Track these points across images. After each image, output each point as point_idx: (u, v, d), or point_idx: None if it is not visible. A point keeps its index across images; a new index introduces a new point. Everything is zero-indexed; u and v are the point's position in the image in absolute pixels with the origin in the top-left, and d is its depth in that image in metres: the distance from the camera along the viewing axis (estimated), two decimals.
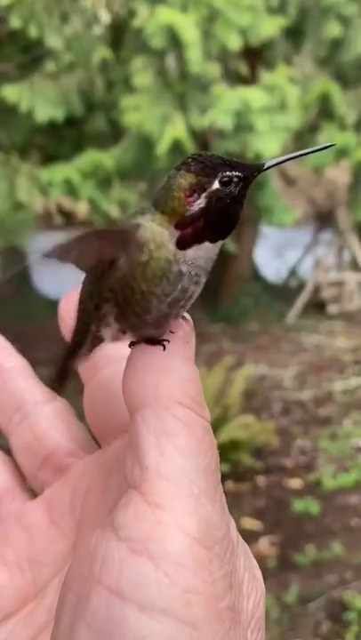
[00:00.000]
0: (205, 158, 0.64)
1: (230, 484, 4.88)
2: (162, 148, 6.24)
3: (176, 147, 6.23)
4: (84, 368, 0.78)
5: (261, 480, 5.04)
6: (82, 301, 0.68)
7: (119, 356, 0.72)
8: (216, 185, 0.63)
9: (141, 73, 6.58)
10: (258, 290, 9.61)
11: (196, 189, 0.63)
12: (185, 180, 0.63)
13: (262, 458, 5.30)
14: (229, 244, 8.29)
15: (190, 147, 6.29)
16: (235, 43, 6.52)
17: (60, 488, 0.78)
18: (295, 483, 5.01)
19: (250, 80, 7.21)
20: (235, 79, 7.18)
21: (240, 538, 0.64)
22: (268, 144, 6.50)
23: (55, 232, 10.64)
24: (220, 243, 0.65)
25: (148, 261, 0.63)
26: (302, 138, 7.83)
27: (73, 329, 0.70)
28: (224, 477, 4.01)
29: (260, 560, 4.05)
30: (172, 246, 0.63)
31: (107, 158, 6.80)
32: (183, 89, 6.59)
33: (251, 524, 4.45)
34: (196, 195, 0.63)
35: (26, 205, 6.75)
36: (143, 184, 7.81)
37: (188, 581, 0.55)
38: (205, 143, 7.05)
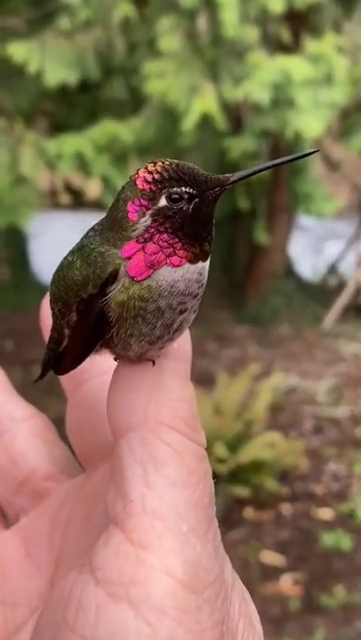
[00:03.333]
0: (158, 169, 0.64)
1: (250, 512, 4.88)
2: (188, 122, 6.23)
3: (205, 121, 6.22)
4: (66, 378, 0.78)
5: (287, 508, 5.04)
6: (53, 312, 0.69)
7: (106, 365, 0.72)
8: (163, 202, 0.63)
9: (168, 35, 6.56)
10: (291, 288, 9.56)
11: (140, 206, 0.63)
12: (131, 193, 0.64)
13: (288, 483, 5.29)
14: (261, 233, 8.29)
15: (221, 122, 6.28)
16: (277, 4, 6.49)
17: (37, 517, 0.78)
18: (325, 513, 5.00)
19: (292, 48, 7.18)
20: (275, 46, 7.14)
21: (238, 580, 0.65)
22: (309, 122, 6.48)
23: (61, 212, 10.66)
24: (200, 264, 0.64)
25: (119, 302, 0.63)
26: (349, 116, 7.80)
27: (50, 333, 0.71)
28: (244, 503, 4.03)
29: (282, 600, 4.08)
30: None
31: (124, 130, 6.79)
32: (215, 55, 6.58)
33: (272, 558, 4.45)
34: (140, 211, 0.63)
35: (29, 180, 6.75)
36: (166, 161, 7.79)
37: (172, 631, 0.56)
38: (238, 119, 7.04)
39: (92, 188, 9.06)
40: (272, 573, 4.29)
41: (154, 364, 0.66)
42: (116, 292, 0.62)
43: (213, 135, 6.74)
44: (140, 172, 0.64)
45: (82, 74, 6.99)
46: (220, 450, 4.69)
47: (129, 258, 0.62)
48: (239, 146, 6.78)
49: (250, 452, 4.91)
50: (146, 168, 0.64)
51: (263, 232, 8.38)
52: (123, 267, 0.62)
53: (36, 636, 0.62)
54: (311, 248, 10.75)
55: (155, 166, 0.64)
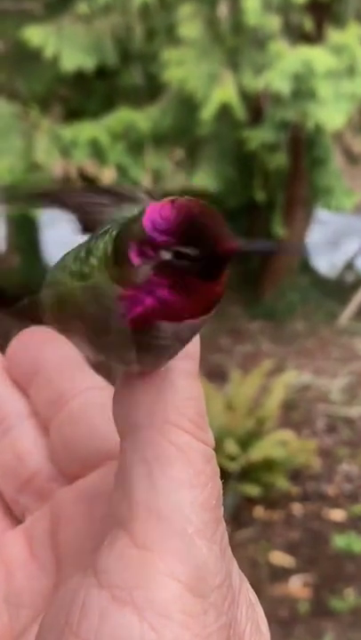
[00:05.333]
0: (173, 216, 0.58)
1: (260, 511, 4.87)
2: (207, 111, 6.21)
3: (224, 111, 6.20)
4: (45, 404, 0.76)
5: (297, 508, 5.02)
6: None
7: (88, 385, 0.72)
8: (167, 256, 0.58)
9: (188, 22, 6.54)
10: (307, 284, 9.53)
11: (143, 252, 0.58)
12: (138, 231, 0.59)
13: (300, 482, 5.28)
14: (278, 226, 8.27)
15: (240, 112, 6.26)
16: None
17: (40, 517, 0.77)
18: (337, 514, 4.99)
19: (315, 38, 7.14)
20: (297, 36, 7.12)
21: (245, 583, 0.63)
22: (331, 114, 6.44)
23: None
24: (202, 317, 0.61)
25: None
26: None
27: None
28: (254, 502, 4.01)
29: (290, 603, 4.08)
30: None
31: (141, 118, 6.78)
32: (236, 44, 6.55)
33: (281, 559, 4.45)
34: (143, 257, 0.58)
35: (43, 167, 6.76)
36: (181, 152, 7.79)
37: (178, 636, 0.54)
38: (258, 109, 7.01)
39: (107, 176, 9.06)
40: (281, 574, 4.28)
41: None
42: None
43: (232, 125, 6.70)
44: (152, 212, 0.58)
45: (99, 60, 6.99)
46: (231, 447, 4.68)
47: (126, 304, 0.59)
48: (258, 137, 6.75)
49: (261, 450, 4.90)
50: (161, 209, 0.58)
51: (280, 225, 8.35)
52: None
53: (39, 639, 0.61)
54: (328, 243, 10.73)
55: (171, 209, 0.58)
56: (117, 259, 0.60)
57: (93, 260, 0.62)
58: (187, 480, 0.59)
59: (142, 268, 0.59)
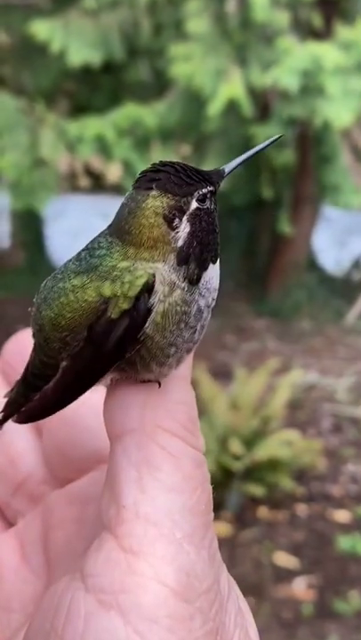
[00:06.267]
0: (174, 173, 0.64)
1: (265, 512, 4.86)
2: (214, 107, 6.21)
3: (230, 107, 6.19)
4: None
5: (302, 509, 5.01)
6: (45, 344, 0.67)
7: None
8: (194, 204, 0.64)
9: (196, 17, 6.55)
10: (313, 282, 9.53)
11: (176, 213, 0.63)
12: (160, 202, 0.63)
13: (305, 483, 5.28)
14: (285, 224, 8.25)
15: (247, 108, 6.25)
16: None
17: (32, 520, 0.78)
18: (342, 515, 4.98)
19: (323, 34, 7.16)
20: (305, 32, 7.13)
21: (234, 590, 0.64)
22: (339, 111, 6.44)
23: (78, 196, 10.66)
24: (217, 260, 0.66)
25: (161, 312, 0.62)
26: None
27: (34, 364, 0.69)
28: (258, 502, 4.00)
29: (294, 604, 4.06)
30: (183, 283, 0.63)
31: (148, 114, 6.77)
32: (244, 39, 6.55)
33: (285, 560, 4.43)
34: (177, 219, 0.63)
35: (49, 163, 6.75)
36: (188, 147, 7.79)
37: None
38: (266, 105, 7.00)
39: (112, 172, 9.06)
40: (285, 576, 4.27)
41: (160, 386, 0.65)
42: (157, 303, 0.62)
43: (239, 121, 6.70)
44: (159, 179, 0.64)
45: (106, 54, 6.99)
46: (236, 446, 4.67)
47: (185, 265, 0.63)
48: (265, 133, 6.73)
49: (266, 450, 4.89)
50: (167, 173, 0.65)
51: (287, 222, 8.33)
52: (157, 275, 0.62)
53: None
54: (336, 241, 10.72)
55: (177, 170, 0.65)
56: (133, 237, 0.63)
57: (101, 251, 0.64)
58: (176, 485, 0.60)
59: (180, 229, 0.63)
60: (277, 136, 0.73)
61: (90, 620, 0.56)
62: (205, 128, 6.67)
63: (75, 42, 6.76)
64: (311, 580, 4.30)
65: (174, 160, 0.65)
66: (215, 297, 0.65)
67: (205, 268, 0.64)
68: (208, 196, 0.65)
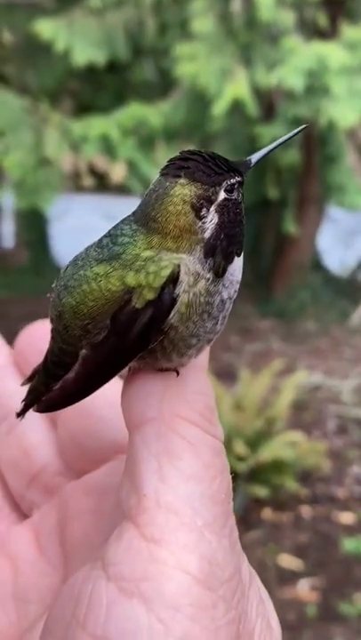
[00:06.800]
0: (210, 161, 0.64)
1: (269, 513, 4.86)
2: (219, 107, 6.21)
3: (236, 107, 6.19)
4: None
5: (306, 511, 5.01)
6: (65, 333, 0.66)
7: None
8: (222, 195, 0.64)
9: (201, 17, 6.55)
10: (318, 282, 9.53)
11: (204, 203, 0.63)
12: (189, 190, 0.63)
13: (309, 484, 5.27)
14: (290, 224, 8.25)
15: (252, 108, 6.24)
16: None
17: (48, 512, 0.78)
18: (346, 517, 4.97)
19: (329, 34, 7.16)
20: (311, 32, 7.13)
21: (255, 579, 0.64)
22: (344, 111, 6.44)
23: (82, 195, 10.65)
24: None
25: (185, 303, 0.62)
26: None
27: (53, 351, 0.69)
28: (262, 504, 3.99)
29: (298, 606, 4.05)
30: (208, 274, 0.63)
31: (152, 114, 6.78)
32: (249, 39, 6.56)
33: (289, 562, 4.43)
34: (205, 209, 0.63)
35: (53, 162, 6.75)
36: (192, 147, 7.78)
37: (186, 629, 0.55)
38: (271, 105, 7.00)
39: (117, 172, 9.05)
40: (289, 578, 4.26)
41: (178, 374, 0.65)
42: (182, 294, 0.62)
43: (244, 121, 6.71)
44: (188, 167, 0.64)
45: (110, 54, 6.99)
46: (240, 447, 4.66)
47: (211, 257, 0.63)
48: (270, 133, 6.73)
49: (270, 451, 4.88)
50: (186, 162, 0.64)
51: (292, 222, 8.33)
52: (182, 266, 0.62)
53: (45, 633, 0.62)
54: (341, 241, 10.70)
55: (205, 159, 0.64)
56: (160, 225, 0.63)
57: (124, 239, 0.63)
58: (196, 473, 0.60)
59: (208, 219, 0.63)
60: (303, 126, 0.73)
61: (112, 609, 0.56)
62: (210, 128, 6.68)
63: (79, 41, 6.76)
64: (315, 582, 4.30)
65: (202, 150, 0.65)
66: (237, 289, 0.65)
67: (231, 261, 0.64)
68: (236, 186, 0.64)
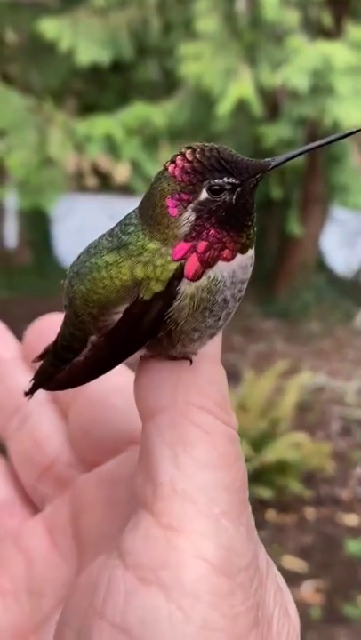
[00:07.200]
0: (197, 157, 0.61)
1: (272, 514, 4.85)
2: (224, 106, 6.21)
3: (241, 107, 6.19)
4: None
5: (310, 512, 5.01)
6: (75, 318, 0.66)
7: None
8: (204, 194, 0.61)
9: (206, 16, 6.55)
10: (322, 283, 9.52)
11: (180, 200, 0.61)
12: (168, 185, 0.62)
13: (313, 486, 5.26)
14: (294, 224, 8.25)
15: (257, 107, 6.24)
16: None
17: (61, 505, 0.78)
18: (351, 519, 4.97)
19: (334, 34, 7.15)
20: (315, 31, 7.14)
21: (273, 568, 0.64)
22: (349, 110, 6.44)
23: (85, 196, 10.66)
24: (249, 252, 0.65)
25: (188, 297, 0.62)
26: None
27: (63, 336, 0.69)
28: (266, 505, 3.98)
29: (302, 608, 4.02)
30: (208, 271, 0.62)
31: (157, 113, 6.78)
32: (254, 39, 6.56)
33: (293, 563, 4.42)
34: (181, 206, 0.61)
35: (56, 162, 6.75)
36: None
37: (206, 616, 0.55)
38: (275, 105, 7.00)
39: (121, 172, 9.06)
40: (293, 579, 4.25)
41: (191, 362, 0.65)
42: (185, 288, 0.61)
43: (248, 121, 6.71)
44: (177, 161, 0.62)
45: (114, 53, 7.00)
46: (244, 448, 4.64)
47: (182, 259, 0.61)
48: (275, 133, 6.75)
49: (274, 452, 4.89)
50: (183, 155, 0.62)
51: (296, 222, 8.33)
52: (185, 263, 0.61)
53: (62, 624, 0.62)
54: (345, 242, 10.69)
55: (193, 153, 0.61)
56: (154, 220, 0.62)
57: (131, 228, 0.63)
58: (211, 461, 0.60)
59: (183, 217, 0.61)
60: (355, 129, 0.66)
61: (130, 598, 0.56)
62: (215, 128, 6.67)
63: (83, 40, 6.77)
64: (319, 584, 4.29)
65: (215, 144, 0.63)
66: (242, 288, 0.64)
67: (208, 266, 0.61)
68: (227, 188, 0.61)
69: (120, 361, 0.65)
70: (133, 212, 0.65)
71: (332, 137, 0.65)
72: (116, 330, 0.62)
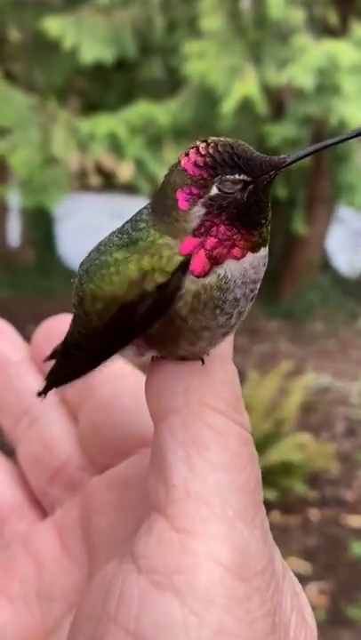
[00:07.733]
0: (210, 151, 0.60)
1: (277, 516, 4.84)
2: (228, 105, 6.20)
3: (245, 105, 6.19)
4: (75, 392, 0.78)
5: (315, 514, 5.00)
6: (84, 315, 0.66)
7: (116, 372, 0.74)
8: (215, 190, 0.60)
9: (210, 14, 6.55)
10: (327, 283, 9.53)
11: (190, 194, 0.60)
12: (180, 178, 0.61)
13: (318, 487, 5.26)
14: (299, 223, 8.24)
15: (262, 106, 6.24)
16: None
17: (71, 508, 0.78)
18: (355, 521, 4.96)
19: (339, 32, 7.15)
20: (321, 30, 7.13)
21: (289, 571, 0.64)
22: (355, 109, 6.42)
23: (88, 195, 10.66)
24: (262, 251, 0.63)
25: (194, 293, 0.61)
26: None
27: (72, 335, 0.68)
28: (270, 507, 3.96)
29: None
30: (218, 269, 0.61)
31: (161, 112, 6.77)
32: (259, 37, 6.55)
33: (297, 565, 4.42)
34: (191, 200, 0.60)
35: (60, 161, 6.75)
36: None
37: (221, 621, 0.54)
38: (280, 104, 7.00)
39: (124, 171, 9.06)
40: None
41: (203, 362, 0.64)
42: (190, 283, 0.60)
43: (253, 120, 6.70)
44: (190, 154, 0.61)
45: (118, 52, 6.99)
46: None
47: (189, 254, 0.60)
48: (280, 132, 6.74)
49: (279, 453, 4.88)
50: (197, 149, 0.61)
51: (301, 222, 8.33)
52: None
53: (74, 630, 0.61)
54: (350, 242, 10.70)
55: (207, 148, 0.60)
56: (166, 213, 0.61)
57: (142, 224, 0.62)
58: (225, 463, 0.59)
59: (193, 211, 0.60)
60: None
61: (144, 602, 0.55)
62: (219, 126, 6.66)
63: (87, 39, 6.77)
64: (324, 586, 4.29)
65: (230, 139, 0.62)
66: (255, 288, 0.64)
67: (216, 262, 0.61)
68: (239, 184, 0.60)
69: (112, 352, 0.64)
70: (145, 208, 0.64)
71: (353, 132, 0.63)
72: (111, 319, 0.62)
